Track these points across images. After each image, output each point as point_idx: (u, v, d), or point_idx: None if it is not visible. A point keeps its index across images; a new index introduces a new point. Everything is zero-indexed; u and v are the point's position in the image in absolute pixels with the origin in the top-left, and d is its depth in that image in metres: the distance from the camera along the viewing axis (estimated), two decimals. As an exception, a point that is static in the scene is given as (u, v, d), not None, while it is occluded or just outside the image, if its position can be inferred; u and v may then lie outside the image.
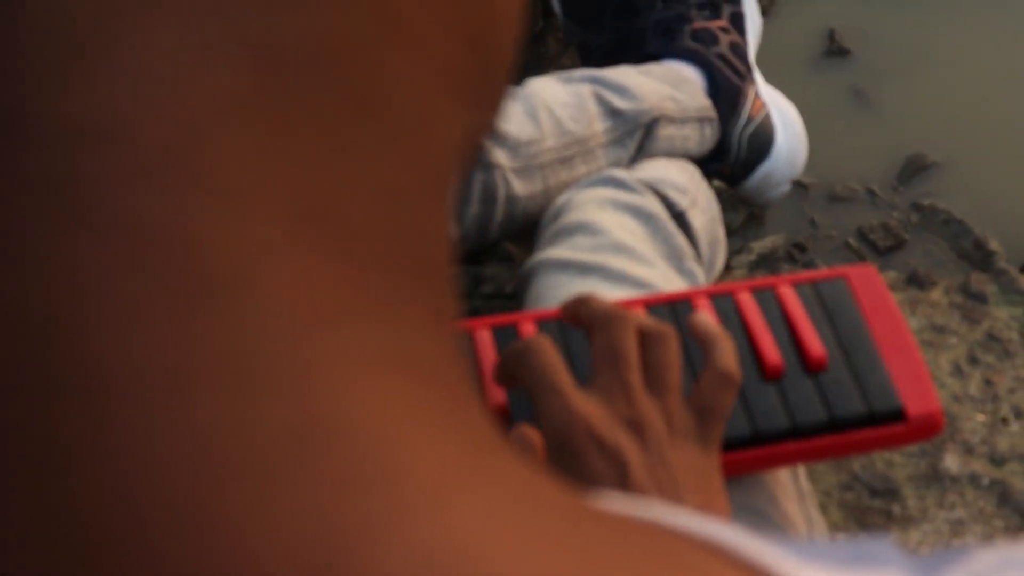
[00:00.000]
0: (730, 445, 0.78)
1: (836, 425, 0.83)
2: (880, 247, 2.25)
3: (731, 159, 1.23)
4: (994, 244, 2.21)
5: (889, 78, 2.28)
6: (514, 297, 1.07)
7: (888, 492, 1.03)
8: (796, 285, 0.88)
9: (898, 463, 1.05)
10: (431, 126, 0.22)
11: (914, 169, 2.27)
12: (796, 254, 2.27)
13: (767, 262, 2.24)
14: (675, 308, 0.86)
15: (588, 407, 0.63)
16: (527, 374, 0.65)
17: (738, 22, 1.30)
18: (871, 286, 0.89)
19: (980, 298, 1.18)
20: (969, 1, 2.33)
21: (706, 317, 0.75)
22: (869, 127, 2.32)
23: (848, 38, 2.29)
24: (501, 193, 1.04)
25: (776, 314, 0.86)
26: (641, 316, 0.69)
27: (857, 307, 0.88)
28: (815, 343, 0.84)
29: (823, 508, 1.02)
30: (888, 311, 0.88)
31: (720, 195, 2.13)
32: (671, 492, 0.62)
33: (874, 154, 2.28)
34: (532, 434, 0.70)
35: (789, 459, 0.83)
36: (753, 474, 0.86)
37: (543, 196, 1.08)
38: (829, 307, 0.88)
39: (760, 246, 2.29)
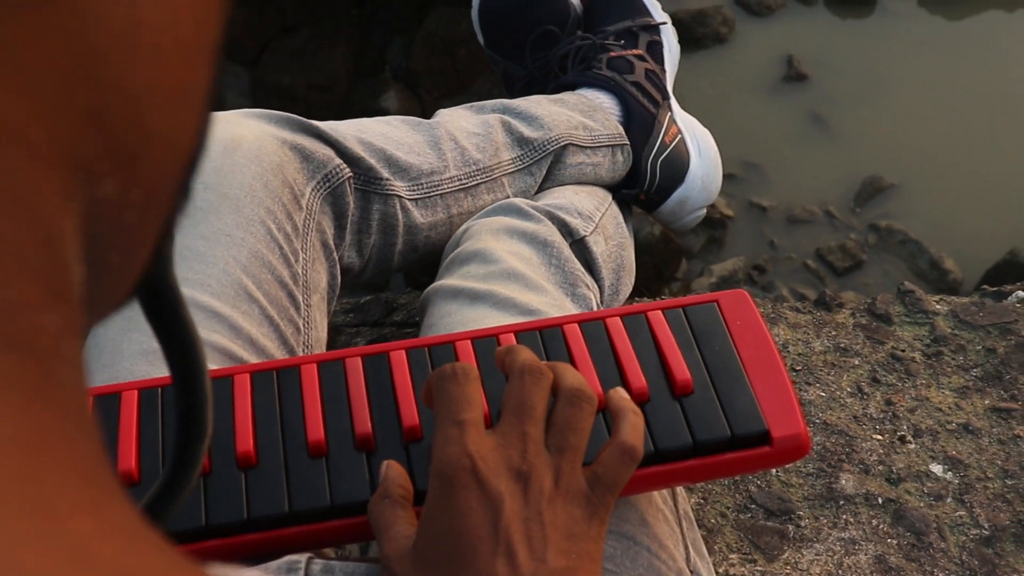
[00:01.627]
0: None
1: (700, 448, 0.84)
2: (838, 268, 2.27)
3: (645, 185, 1.25)
4: (950, 263, 2.23)
5: (846, 103, 2.30)
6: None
7: (783, 513, 1.04)
8: (666, 311, 0.90)
9: (795, 484, 1.06)
10: (28, 208, 0.23)
11: (871, 191, 2.28)
12: (756, 276, 2.30)
13: (727, 284, 2.26)
14: (544, 335, 0.88)
15: (481, 447, 0.65)
16: (439, 399, 0.68)
17: (655, 50, 1.32)
18: (742, 310, 0.91)
19: (885, 319, 1.19)
20: (924, 28, 2.34)
21: (621, 393, 0.77)
22: (827, 150, 2.34)
23: (806, 64, 2.31)
24: (401, 223, 1.06)
25: (645, 340, 0.88)
26: (569, 373, 0.71)
27: (727, 331, 0.89)
28: (681, 368, 0.86)
29: (718, 530, 1.03)
30: (758, 335, 0.89)
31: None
32: (538, 547, 0.64)
33: (832, 177, 2.30)
34: (396, 469, 0.72)
35: (655, 483, 0.85)
36: (624, 498, 0.87)
37: (446, 225, 1.10)
38: (698, 332, 0.89)
39: (720, 268, 2.32)
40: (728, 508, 1.05)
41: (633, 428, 0.73)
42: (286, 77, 2.27)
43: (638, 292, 1.50)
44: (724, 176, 2.37)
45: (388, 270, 1.10)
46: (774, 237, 2.24)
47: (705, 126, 2.38)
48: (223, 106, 2.29)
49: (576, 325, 0.88)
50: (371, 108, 2.22)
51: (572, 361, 0.86)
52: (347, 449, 0.80)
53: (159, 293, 0.37)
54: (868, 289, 2.21)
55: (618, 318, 0.89)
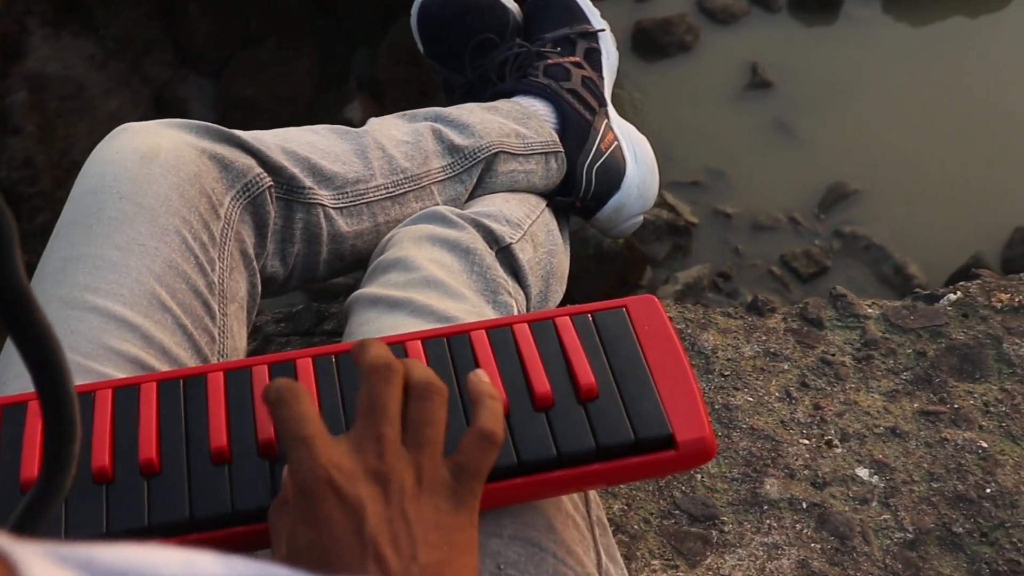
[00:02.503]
0: (496, 475, 0.80)
1: (604, 453, 0.84)
2: (803, 274, 2.27)
3: (581, 192, 1.25)
4: (914, 268, 2.23)
5: (811, 109, 2.30)
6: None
7: (707, 518, 1.04)
8: (574, 316, 0.90)
9: (719, 489, 1.06)
10: None
11: (836, 197, 2.28)
12: (721, 283, 2.30)
13: (692, 291, 2.26)
14: (451, 341, 0.88)
15: (334, 457, 0.65)
16: (276, 425, 0.68)
17: (593, 57, 1.32)
18: (650, 315, 0.91)
19: (816, 323, 1.19)
20: (889, 34, 2.34)
21: (481, 375, 0.77)
22: (792, 157, 2.35)
23: (771, 71, 2.31)
24: (324, 231, 1.06)
25: (552, 345, 0.88)
26: (418, 368, 0.71)
27: (634, 336, 0.90)
28: (586, 373, 0.86)
29: (640, 536, 1.03)
30: (666, 340, 0.89)
31: (646, 227, 2.16)
32: (406, 547, 0.64)
33: (797, 183, 2.31)
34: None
35: (558, 488, 0.85)
36: (531, 504, 0.87)
37: (373, 233, 1.10)
38: (605, 337, 0.89)
39: (685, 276, 2.32)
40: (651, 514, 1.05)
41: (491, 413, 0.72)
42: (250, 88, 2.27)
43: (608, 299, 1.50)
44: (689, 184, 2.37)
45: (314, 279, 1.11)
46: (739, 244, 2.24)
47: (670, 134, 2.38)
48: (188, 116, 2.29)
49: (483, 331, 0.89)
50: (336, 118, 2.22)
51: (478, 367, 0.86)
52: (251, 456, 0.80)
53: (9, 300, 0.37)
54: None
55: (526, 324, 0.89)
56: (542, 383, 0.84)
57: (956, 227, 2.21)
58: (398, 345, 0.87)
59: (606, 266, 2.08)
